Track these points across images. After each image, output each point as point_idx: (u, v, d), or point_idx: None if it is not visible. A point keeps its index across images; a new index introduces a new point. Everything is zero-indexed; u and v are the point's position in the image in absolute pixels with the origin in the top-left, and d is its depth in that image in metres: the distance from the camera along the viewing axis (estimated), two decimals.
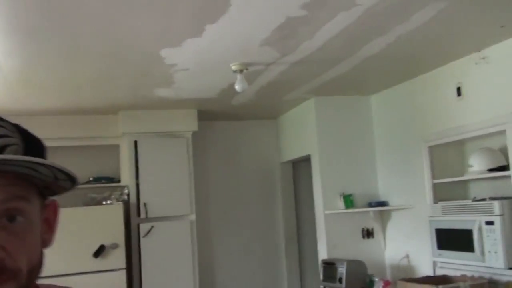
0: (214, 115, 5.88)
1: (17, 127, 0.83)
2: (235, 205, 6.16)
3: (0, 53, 3.39)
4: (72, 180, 0.81)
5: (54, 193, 0.85)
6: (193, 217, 5.49)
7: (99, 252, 4.97)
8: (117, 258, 5.06)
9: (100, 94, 4.70)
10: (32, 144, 0.82)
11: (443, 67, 4.33)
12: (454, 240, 4.05)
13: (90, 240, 4.97)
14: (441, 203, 4.27)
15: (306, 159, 5.67)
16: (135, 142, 5.39)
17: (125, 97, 4.85)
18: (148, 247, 5.24)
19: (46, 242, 0.84)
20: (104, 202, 5.33)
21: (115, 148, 5.66)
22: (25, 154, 0.78)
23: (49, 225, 0.86)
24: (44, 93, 4.55)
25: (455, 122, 4.20)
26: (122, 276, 5.05)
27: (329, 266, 4.77)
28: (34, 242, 0.79)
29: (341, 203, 5.18)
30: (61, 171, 0.78)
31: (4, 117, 0.83)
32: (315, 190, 5.39)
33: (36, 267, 0.79)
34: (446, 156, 4.45)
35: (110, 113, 5.42)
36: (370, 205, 5.13)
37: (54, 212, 0.88)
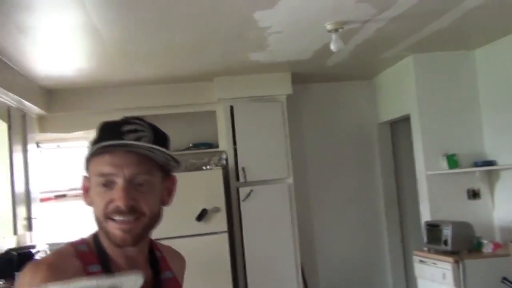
0: (308, 78, 5.80)
1: (150, 125, 1.25)
2: (333, 168, 6.10)
3: (101, 25, 3.51)
4: (177, 162, 1.27)
5: (170, 170, 1.30)
6: (290, 180, 5.50)
7: (202, 215, 5.13)
8: (219, 221, 5.19)
9: (195, 61, 4.77)
10: (160, 136, 1.25)
11: None
12: None
13: (193, 204, 5.13)
14: None
15: (405, 119, 5.48)
16: (231, 107, 5.45)
17: (220, 63, 4.88)
18: (248, 210, 5.33)
19: (165, 202, 1.32)
20: (204, 168, 5.47)
21: (212, 114, 5.76)
22: (154, 143, 1.22)
23: (169, 192, 1.33)
24: (141, 63, 4.68)
25: None
26: (224, 238, 5.19)
27: (433, 228, 4.62)
28: (154, 200, 1.25)
29: (444, 164, 4.97)
30: (169, 155, 1.24)
31: (142, 117, 1.28)
32: (416, 150, 5.21)
33: (155, 216, 1.25)
34: None
35: (205, 80, 5.50)
36: (476, 164, 4.88)
37: (172, 183, 1.34)
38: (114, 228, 1.19)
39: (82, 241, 1.28)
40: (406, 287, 6.03)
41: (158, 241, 1.44)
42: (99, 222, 1.22)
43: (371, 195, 6.15)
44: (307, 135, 6.09)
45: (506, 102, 4.70)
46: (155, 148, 1.21)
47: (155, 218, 1.25)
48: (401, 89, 5.45)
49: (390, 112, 5.83)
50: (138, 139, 1.20)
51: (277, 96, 5.55)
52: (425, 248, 4.76)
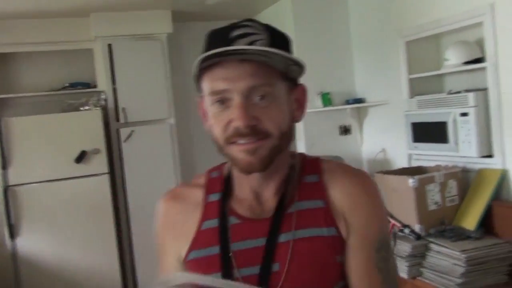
0: (189, 16, 5.74)
1: (266, 26, 1.07)
2: None
3: None
4: (299, 66, 1.06)
5: (295, 78, 1.10)
6: (172, 120, 5.50)
7: (81, 157, 5.00)
8: (99, 163, 5.10)
9: None
10: (278, 39, 1.05)
11: None
12: (429, 132, 4.16)
13: (71, 146, 4.98)
14: (417, 98, 4.33)
15: None
16: (109, 45, 5.27)
17: None
18: (129, 151, 5.28)
19: (296, 117, 1.12)
20: (82, 108, 5.30)
21: (89, 52, 5.54)
22: (271, 46, 1.01)
23: (299, 104, 1.13)
24: None
25: (432, 16, 4.17)
26: (105, 180, 5.13)
27: None
28: (280, 116, 1.05)
29: (319, 102, 5.23)
30: (289, 58, 1.03)
31: (254, 19, 1.07)
32: None
33: (285, 134, 1.06)
34: (422, 51, 4.45)
35: (81, 16, 5.24)
36: (348, 102, 5.19)
37: (302, 93, 1.14)
38: (238, 151, 1.03)
39: (218, 167, 1.22)
40: None
41: (327, 159, 1.16)
42: (220, 148, 1.07)
43: None
44: (189, 75, 6.05)
45: (373, 43, 4.99)
46: (271, 52, 1.01)
47: (285, 137, 1.06)
48: (279, 29, 5.56)
49: None
50: (250, 43, 1.01)
51: (157, 34, 5.45)
52: None
